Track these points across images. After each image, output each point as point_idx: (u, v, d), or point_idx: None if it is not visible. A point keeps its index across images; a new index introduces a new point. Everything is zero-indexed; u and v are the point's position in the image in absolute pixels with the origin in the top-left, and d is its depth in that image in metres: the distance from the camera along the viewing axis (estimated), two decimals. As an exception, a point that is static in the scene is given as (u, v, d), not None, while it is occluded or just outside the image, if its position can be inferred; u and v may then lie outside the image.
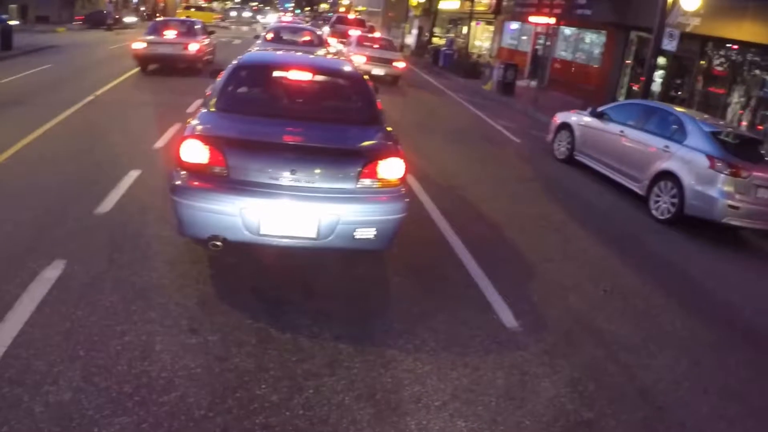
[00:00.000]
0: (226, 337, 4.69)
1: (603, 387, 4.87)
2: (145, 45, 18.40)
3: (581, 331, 5.75)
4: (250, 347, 4.61)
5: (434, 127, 14.63)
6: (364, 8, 68.45)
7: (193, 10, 59.49)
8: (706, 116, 12.81)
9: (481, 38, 41.27)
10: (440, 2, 40.94)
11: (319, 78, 6.83)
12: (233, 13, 63.79)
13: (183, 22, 22.00)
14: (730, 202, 9.68)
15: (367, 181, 5.35)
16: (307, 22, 56.21)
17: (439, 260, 6.66)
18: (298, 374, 4.37)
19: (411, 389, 4.36)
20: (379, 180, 5.39)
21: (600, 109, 13.01)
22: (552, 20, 24.41)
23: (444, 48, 35.21)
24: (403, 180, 5.55)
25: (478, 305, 5.75)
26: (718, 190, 9.74)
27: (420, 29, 45.22)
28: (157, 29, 19.53)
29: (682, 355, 5.79)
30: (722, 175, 9.74)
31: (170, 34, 19.29)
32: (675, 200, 10.18)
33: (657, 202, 10.53)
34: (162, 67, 18.97)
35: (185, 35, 19.55)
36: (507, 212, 8.87)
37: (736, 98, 20.03)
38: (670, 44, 17.37)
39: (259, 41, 20.25)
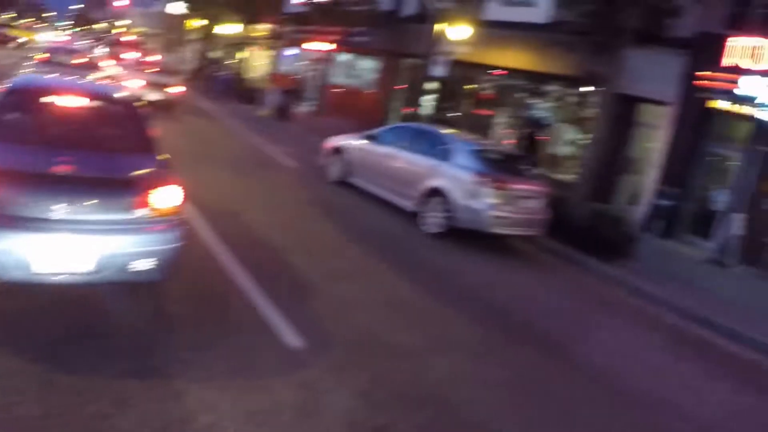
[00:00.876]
0: (4, 385, 4.30)
1: (392, 393, 5.12)
2: None
3: (366, 343, 5.97)
4: (32, 393, 4.25)
5: (211, 153, 14.44)
6: (144, 30, 66.11)
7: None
8: (472, 136, 13.82)
9: (259, 63, 41.41)
10: (218, 26, 40.46)
11: (92, 104, 6.47)
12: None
13: None
14: (495, 213, 10.54)
15: (141, 211, 5.20)
16: (85, 42, 53.10)
17: (221, 287, 6.57)
18: (87, 416, 4.12)
19: (205, 418, 4.27)
20: (154, 209, 5.25)
21: (372, 132, 13.55)
22: (329, 47, 25.06)
23: (222, 73, 34.87)
24: (179, 208, 5.45)
25: (263, 328, 5.77)
26: (484, 202, 10.55)
27: (199, 53, 44.50)
28: None
29: (463, 356, 6.27)
30: (486, 189, 10.57)
31: None
32: (445, 215, 10.86)
33: (428, 217, 11.16)
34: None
35: None
36: (286, 235, 8.95)
37: (501, 119, 21.67)
38: (438, 70, 18.50)
39: (30, 63, 19.12)
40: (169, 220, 5.34)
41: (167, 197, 5.33)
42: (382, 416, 4.75)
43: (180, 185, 5.42)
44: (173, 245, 5.34)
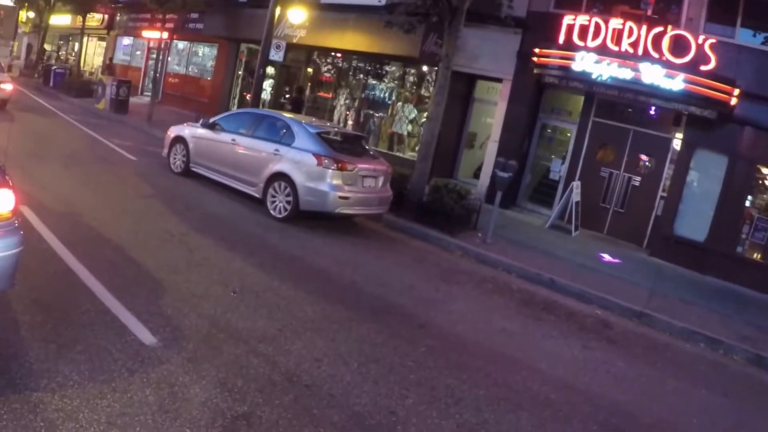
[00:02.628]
0: None
1: (250, 380, 5.18)
2: None
3: (219, 333, 5.99)
4: None
5: (47, 152, 13.69)
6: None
7: None
8: (312, 119, 13.98)
9: (94, 55, 39.62)
10: (51, 17, 38.09)
11: None
12: None
13: None
14: (340, 194, 10.76)
15: None
16: None
17: (67, 291, 6.33)
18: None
19: (66, 428, 4.14)
20: None
21: (212, 119, 13.40)
22: (164, 35, 24.39)
23: (58, 66, 32.98)
24: (14, 212, 5.13)
25: (115, 329, 5.64)
26: (327, 184, 10.75)
27: (29, 47, 41.87)
28: None
29: (318, 336, 6.42)
30: (330, 171, 10.75)
31: None
32: (290, 198, 10.98)
33: (273, 202, 11.24)
34: None
35: None
36: (130, 232, 8.72)
37: (342, 101, 21.95)
38: (277, 54, 18.51)
39: None
40: (6, 225, 5.00)
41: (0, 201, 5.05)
42: (243, 404, 4.81)
43: (11, 188, 5.10)
44: (13, 251, 5.01)
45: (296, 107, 20.66)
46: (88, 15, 32.69)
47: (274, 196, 11.26)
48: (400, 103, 20.59)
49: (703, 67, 13.53)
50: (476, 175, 18.35)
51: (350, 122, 21.70)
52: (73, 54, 38.45)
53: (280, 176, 11.21)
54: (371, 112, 21.46)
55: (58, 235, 7.80)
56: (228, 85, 26.45)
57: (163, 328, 5.84)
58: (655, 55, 13.85)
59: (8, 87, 19.69)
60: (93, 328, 5.58)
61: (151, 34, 27.17)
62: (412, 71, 20.44)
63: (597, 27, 14.52)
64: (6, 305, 5.69)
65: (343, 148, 11.58)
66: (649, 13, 14.55)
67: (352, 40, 19.94)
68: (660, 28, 13.90)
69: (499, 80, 17.48)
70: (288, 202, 11.03)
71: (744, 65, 13.66)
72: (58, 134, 17.20)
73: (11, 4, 42.72)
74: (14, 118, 18.06)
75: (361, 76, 21.91)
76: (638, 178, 15.81)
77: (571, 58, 14.77)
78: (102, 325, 5.68)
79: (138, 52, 33.79)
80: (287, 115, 12.95)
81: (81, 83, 28.85)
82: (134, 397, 4.64)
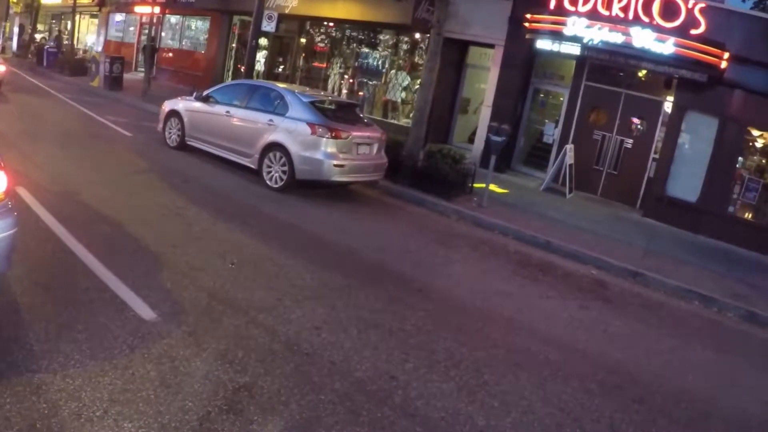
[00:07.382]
0: None
1: (251, 351, 5.23)
2: None
3: (218, 305, 6.02)
4: None
5: (42, 132, 13.62)
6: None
7: None
8: (306, 89, 13.95)
9: (87, 32, 39.36)
10: None
11: None
12: None
13: None
14: (335, 162, 10.78)
15: None
16: None
17: (65, 271, 6.33)
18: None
19: (69, 408, 4.15)
20: None
21: (206, 92, 13.34)
22: (156, 9, 24.20)
23: (50, 46, 32.72)
24: (7, 193, 5.10)
25: (115, 306, 5.66)
26: (322, 152, 10.76)
27: (21, 27, 41.51)
28: None
29: (317, 304, 6.46)
30: (324, 139, 10.76)
31: None
32: (285, 168, 10.99)
33: (269, 172, 11.27)
34: None
35: None
36: (127, 208, 8.71)
37: (336, 70, 21.89)
38: (269, 25, 18.38)
39: None
40: None
41: None
42: (244, 375, 4.85)
43: (4, 169, 5.05)
44: (8, 233, 4.97)
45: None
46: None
47: (269, 167, 11.28)
48: (393, 71, 20.58)
49: (693, 31, 13.69)
50: (471, 140, 18.46)
51: (344, 91, 21.65)
52: (68, 33, 38.12)
53: (275, 146, 11.22)
54: (365, 80, 21.42)
55: (56, 215, 7.79)
56: (221, 58, 26.31)
57: (163, 303, 5.86)
58: (646, 20, 13.97)
59: (1, 68, 19.53)
60: (93, 307, 5.60)
61: (143, 9, 26.95)
62: (405, 39, 20.39)
63: (587, -8, 14.60)
64: (5, 288, 5.69)
65: (336, 116, 11.56)
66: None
67: (344, 9, 19.79)
68: (650, -8, 13.96)
69: (491, 46, 17.54)
70: (284, 172, 11.05)
71: (733, 29, 13.82)
72: (53, 114, 17.11)
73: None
74: (8, 100, 17.96)
75: (355, 45, 21.83)
76: (630, 141, 16.02)
77: (563, 23, 14.85)
78: (101, 303, 5.69)
79: (131, 28, 33.53)
80: (280, 85, 12.90)
81: (74, 62, 28.64)
82: (136, 373, 4.67)
